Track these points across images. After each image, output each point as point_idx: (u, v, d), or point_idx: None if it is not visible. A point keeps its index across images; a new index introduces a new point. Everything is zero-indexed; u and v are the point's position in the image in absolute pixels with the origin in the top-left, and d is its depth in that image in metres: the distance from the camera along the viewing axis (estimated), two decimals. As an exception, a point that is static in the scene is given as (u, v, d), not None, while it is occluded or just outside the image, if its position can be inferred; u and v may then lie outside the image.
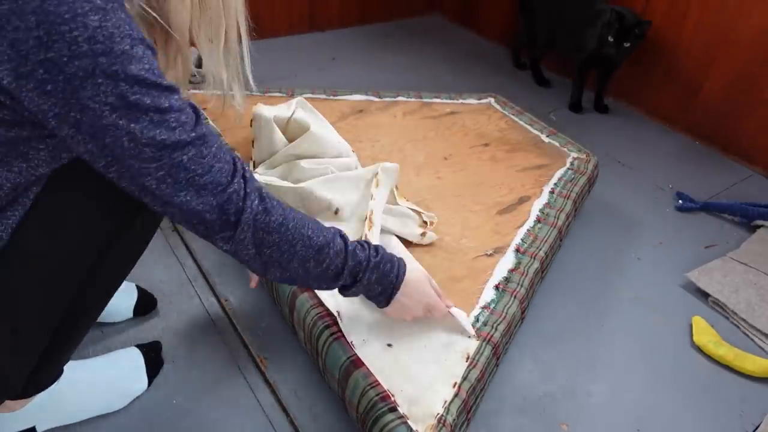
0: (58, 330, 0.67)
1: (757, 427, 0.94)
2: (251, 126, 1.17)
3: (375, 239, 0.95)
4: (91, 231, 0.61)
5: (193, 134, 0.55)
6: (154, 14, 0.57)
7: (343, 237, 0.70)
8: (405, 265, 0.76)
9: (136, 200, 0.58)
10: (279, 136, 1.13)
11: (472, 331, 0.86)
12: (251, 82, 0.73)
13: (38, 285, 0.60)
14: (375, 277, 0.72)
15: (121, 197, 0.59)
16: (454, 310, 0.85)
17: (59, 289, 0.62)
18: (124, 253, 0.69)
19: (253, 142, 1.16)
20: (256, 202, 0.61)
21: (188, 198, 0.56)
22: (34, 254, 0.58)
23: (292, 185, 1.03)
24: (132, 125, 0.50)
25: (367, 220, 0.98)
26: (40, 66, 0.46)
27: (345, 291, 0.72)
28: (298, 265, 0.65)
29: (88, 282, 0.64)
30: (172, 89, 0.53)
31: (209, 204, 0.57)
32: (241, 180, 0.60)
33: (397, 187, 1.11)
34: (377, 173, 1.06)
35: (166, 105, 0.52)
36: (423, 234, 1.04)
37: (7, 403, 0.73)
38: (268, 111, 1.14)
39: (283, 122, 1.15)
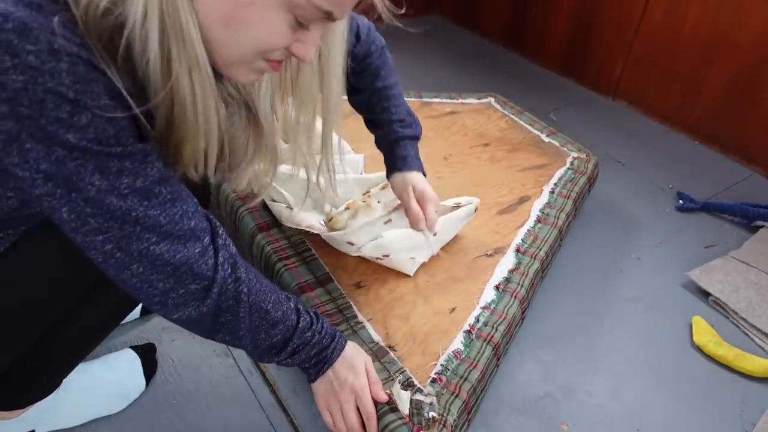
0: (53, 351, 0.67)
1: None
2: None
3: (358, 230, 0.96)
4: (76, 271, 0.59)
5: (154, 201, 0.49)
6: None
7: (298, 312, 0.68)
8: (344, 344, 0.73)
9: None
10: None
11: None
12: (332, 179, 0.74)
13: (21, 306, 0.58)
14: (313, 352, 0.69)
15: None
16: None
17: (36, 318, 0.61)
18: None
19: None
20: (229, 271, 0.57)
21: (141, 270, 0.51)
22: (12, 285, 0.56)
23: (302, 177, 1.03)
24: (73, 194, 0.45)
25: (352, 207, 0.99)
26: None
27: (279, 363, 0.69)
28: (247, 333, 0.62)
29: (79, 310, 0.64)
30: (127, 153, 0.46)
31: (167, 279, 0.53)
32: (211, 248, 0.55)
33: None
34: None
35: (116, 169, 0.46)
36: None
37: (2, 413, 0.73)
38: None
39: None
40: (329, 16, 0.49)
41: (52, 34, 0.40)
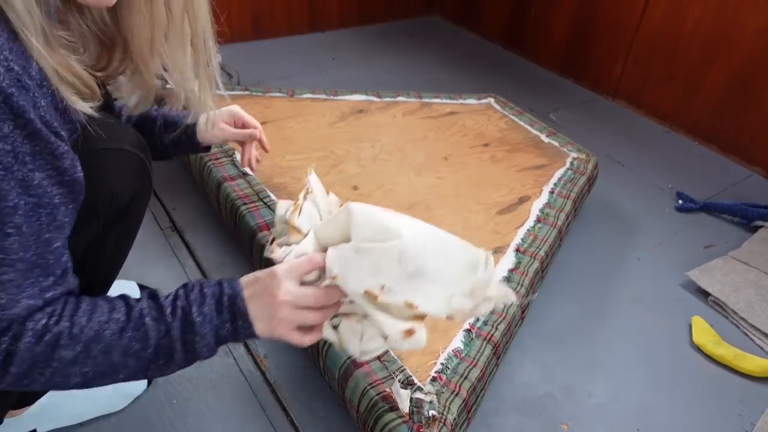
0: None
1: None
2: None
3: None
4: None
5: None
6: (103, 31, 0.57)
7: (130, 304, 0.55)
8: (236, 279, 0.59)
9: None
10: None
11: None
12: (220, 85, 0.68)
13: None
14: (206, 309, 0.55)
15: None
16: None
17: None
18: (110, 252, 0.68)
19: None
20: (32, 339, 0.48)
21: None
22: None
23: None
24: None
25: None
26: None
27: (199, 354, 0.56)
28: (109, 366, 0.52)
29: None
30: None
31: None
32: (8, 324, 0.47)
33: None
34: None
35: None
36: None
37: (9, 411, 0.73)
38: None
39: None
40: None
41: None
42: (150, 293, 0.56)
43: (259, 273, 0.59)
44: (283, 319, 0.57)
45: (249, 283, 0.58)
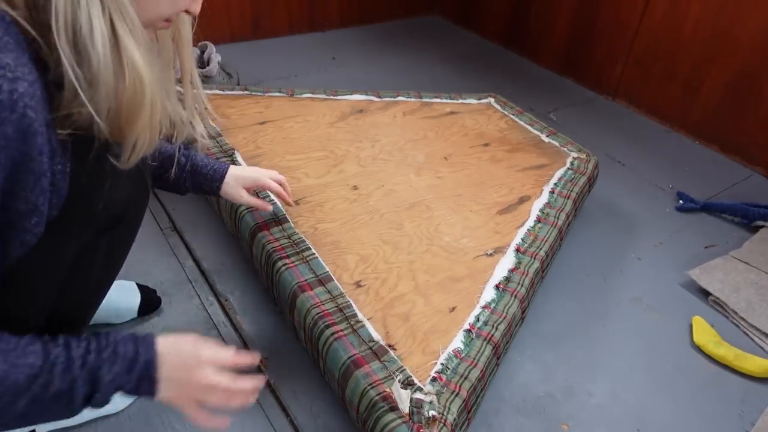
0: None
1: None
2: None
3: None
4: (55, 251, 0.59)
5: None
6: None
7: (47, 350, 0.52)
8: (152, 337, 0.59)
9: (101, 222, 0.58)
10: None
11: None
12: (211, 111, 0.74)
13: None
14: (117, 368, 0.55)
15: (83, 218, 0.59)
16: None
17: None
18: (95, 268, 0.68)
19: None
20: None
21: None
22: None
23: None
24: None
25: None
26: None
27: (94, 404, 0.55)
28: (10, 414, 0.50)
29: (66, 292, 0.64)
30: None
31: None
32: None
33: None
34: None
35: None
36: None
37: None
38: None
39: None
40: None
41: None
42: (66, 340, 0.54)
43: (183, 343, 0.60)
44: (189, 397, 0.60)
45: (168, 353, 0.58)
